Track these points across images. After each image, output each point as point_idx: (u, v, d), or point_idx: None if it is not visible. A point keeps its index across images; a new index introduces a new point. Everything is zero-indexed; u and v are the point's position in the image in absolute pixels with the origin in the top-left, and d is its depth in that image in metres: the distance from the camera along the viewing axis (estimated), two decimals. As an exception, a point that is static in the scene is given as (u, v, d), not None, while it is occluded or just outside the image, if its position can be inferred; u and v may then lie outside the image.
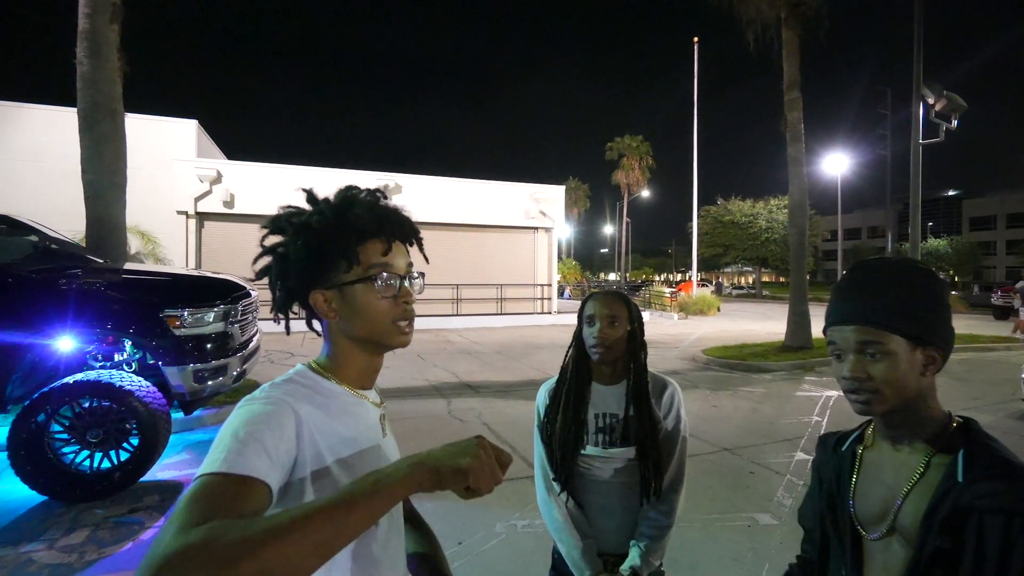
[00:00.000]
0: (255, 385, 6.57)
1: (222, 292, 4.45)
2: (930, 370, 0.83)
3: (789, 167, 10.97)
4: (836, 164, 29.62)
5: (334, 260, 0.83)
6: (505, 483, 3.91)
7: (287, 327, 0.92)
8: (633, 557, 1.37)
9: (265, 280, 0.88)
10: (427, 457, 0.65)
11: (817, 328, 11.00)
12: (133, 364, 4.19)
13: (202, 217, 14.59)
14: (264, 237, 0.88)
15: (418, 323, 0.89)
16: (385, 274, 0.84)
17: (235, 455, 0.64)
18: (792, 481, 4.06)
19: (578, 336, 1.49)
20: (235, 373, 4.43)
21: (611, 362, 1.44)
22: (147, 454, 3.75)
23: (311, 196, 0.88)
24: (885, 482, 0.87)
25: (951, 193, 64.71)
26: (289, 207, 0.89)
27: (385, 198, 0.90)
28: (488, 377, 8.22)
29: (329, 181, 0.94)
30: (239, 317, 4.49)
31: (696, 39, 21.45)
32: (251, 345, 4.88)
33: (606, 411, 1.45)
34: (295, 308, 0.89)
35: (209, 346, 4.19)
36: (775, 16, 10.75)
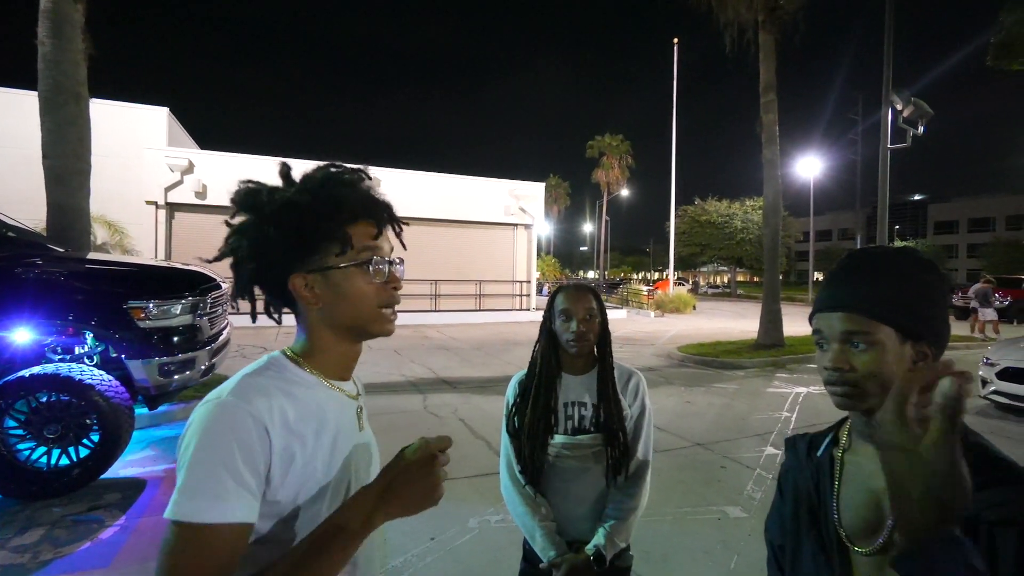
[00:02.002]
0: (225, 379, 6.42)
1: (191, 283, 4.33)
2: (925, 368, 0.74)
3: (764, 168, 11.17)
4: (809, 167, 30.35)
5: (320, 241, 0.77)
6: (479, 478, 3.92)
7: (253, 315, 0.86)
8: (598, 537, 1.39)
9: (231, 274, 0.81)
10: (383, 504, 0.69)
11: (789, 327, 11.33)
12: (95, 357, 4.04)
13: (172, 208, 14.18)
14: (234, 214, 0.80)
15: (395, 319, 0.87)
16: (376, 258, 0.79)
17: (210, 497, 0.64)
18: (762, 475, 4.14)
19: (548, 328, 1.50)
20: (203, 367, 4.31)
21: (585, 354, 1.49)
22: (108, 450, 3.62)
23: (285, 172, 0.82)
24: (873, 490, 0.78)
25: (917, 197, 66.91)
26: (250, 182, 0.82)
27: (369, 179, 0.84)
28: (466, 373, 8.19)
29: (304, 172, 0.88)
30: (208, 309, 4.37)
31: (676, 40, 21.69)
32: (221, 338, 4.75)
33: (575, 400, 1.48)
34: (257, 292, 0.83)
35: (176, 339, 4.06)
36: (752, 19, 10.91)
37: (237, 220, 0.81)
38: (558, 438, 1.45)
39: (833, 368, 0.77)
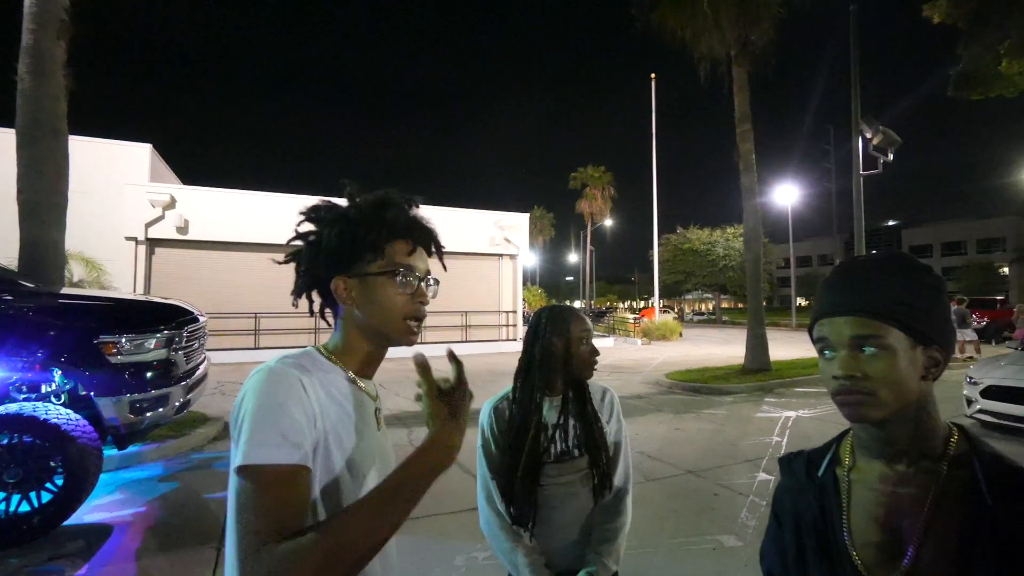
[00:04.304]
0: (202, 418, 6.20)
1: (166, 317, 4.21)
2: (932, 373, 0.72)
3: (743, 196, 11.43)
4: (787, 194, 31.20)
5: (362, 251, 0.88)
6: (465, 513, 3.77)
7: (309, 308, 0.97)
8: (589, 565, 1.33)
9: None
10: (448, 439, 0.85)
11: (775, 351, 11.37)
12: (62, 395, 3.87)
13: (153, 243, 13.99)
14: (299, 223, 0.94)
15: (419, 332, 0.98)
16: (406, 271, 0.89)
17: (275, 442, 0.71)
18: (755, 502, 4.05)
19: (542, 350, 1.43)
20: (177, 403, 4.15)
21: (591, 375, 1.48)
22: (73, 495, 3.42)
23: (350, 193, 0.94)
24: (889, 512, 0.73)
25: (891, 223, 68.90)
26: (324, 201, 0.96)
27: (416, 207, 0.95)
28: (452, 405, 8.02)
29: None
30: (184, 344, 4.24)
31: (653, 75, 22.45)
32: (197, 373, 4.60)
33: (554, 422, 1.43)
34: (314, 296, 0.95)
35: (149, 374, 3.92)
36: (725, 53, 11.36)
37: (303, 228, 0.94)
38: (546, 467, 1.39)
39: (845, 376, 0.71)
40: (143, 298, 4.89)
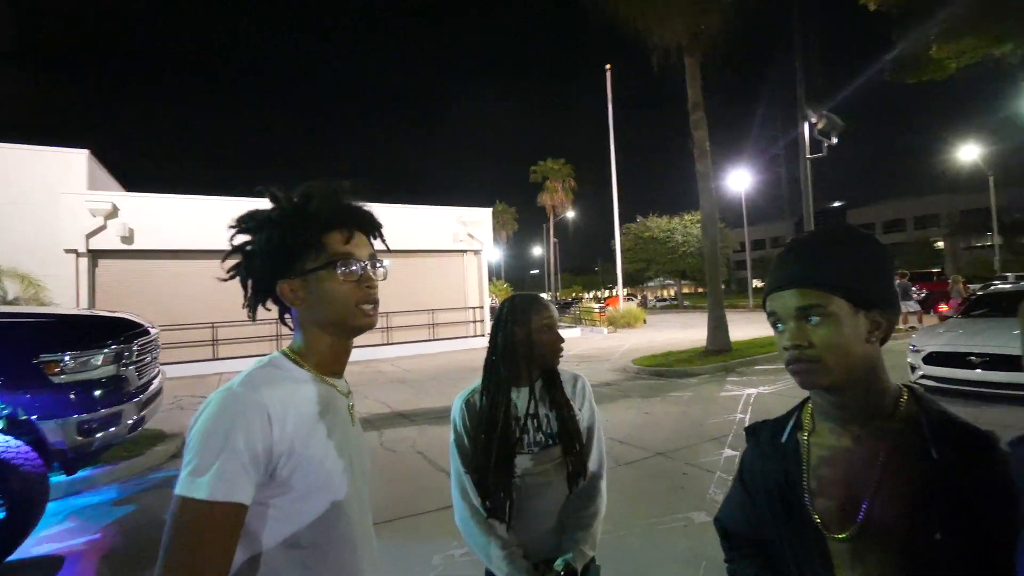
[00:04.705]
0: (159, 435, 5.91)
1: (113, 331, 3.99)
2: (875, 336, 0.76)
3: (699, 182, 11.72)
4: (740, 180, 32.21)
5: (298, 250, 0.87)
6: (441, 512, 3.75)
7: (252, 316, 0.95)
8: (566, 552, 1.32)
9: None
10: None
11: (735, 332, 11.74)
12: (0, 421, 3.62)
13: (95, 255, 13.21)
14: (232, 237, 0.93)
15: (375, 313, 0.98)
16: (345, 259, 0.89)
17: (217, 477, 0.72)
18: (723, 478, 4.18)
19: (506, 340, 1.42)
20: (131, 421, 3.95)
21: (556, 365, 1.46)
22: (17, 529, 3.20)
23: (273, 194, 0.92)
24: (844, 472, 0.77)
25: (837, 204, 72.10)
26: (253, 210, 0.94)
27: (346, 192, 0.94)
28: (422, 405, 7.95)
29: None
30: (134, 358, 4.03)
31: (609, 66, 22.67)
32: (151, 388, 4.39)
33: (526, 412, 1.42)
34: (268, 304, 0.94)
35: (97, 392, 3.71)
36: (676, 43, 11.57)
37: (237, 241, 0.93)
38: (518, 458, 1.38)
39: (793, 346, 0.76)
40: (87, 312, 4.62)
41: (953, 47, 9.95)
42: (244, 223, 0.93)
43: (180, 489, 0.72)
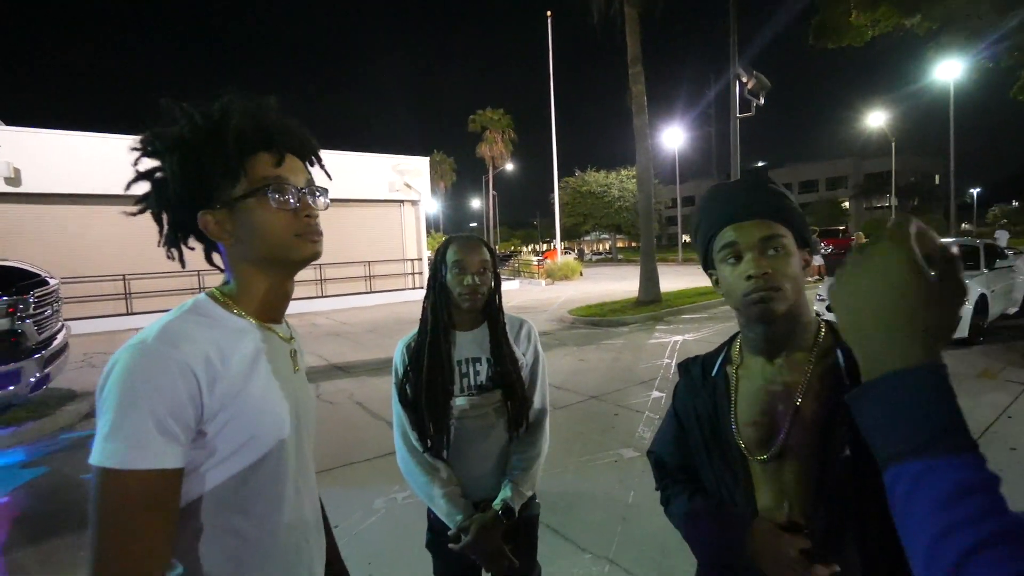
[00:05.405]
0: (68, 394, 5.48)
1: (5, 281, 3.58)
2: (806, 273, 0.84)
3: (636, 138, 11.88)
4: (674, 138, 33.02)
5: (217, 175, 0.75)
6: (381, 459, 3.79)
7: (181, 261, 0.83)
8: (504, 491, 1.37)
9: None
10: None
11: (665, 284, 12.32)
12: None
13: (-26, 199, 11.63)
14: (136, 161, 0.79)
15: (319, 242, 0.83)
16: (278, 184, 0.76)
17: (132, 443, 0.63)
18: (650, 417, 4.50)
19: (439, 283, 1.41)
20: (32, 379, 3.63)
21: (479, 308, 1.42)
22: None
23: (180, 108, 0.77)
24: (767, 400, 0.83)
25: (760, 164, 76.16)
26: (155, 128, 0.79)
27: (272, 109, 0.81)
28: (360, 357, 7.85)
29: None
30: (31, 311, 3.66)
31: (550, 13, 22.00)
32: (54, 344, 4.02)
33: (469, 356, 1.43)
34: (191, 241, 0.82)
35: (-10, 349, 3.36)
36: (617, -8, 11.39)
37: (143, 167, 0.80)
38: (458, 400, 1.40)
39: (760, 273, 0.78)
40: (-31, 262, 4.09)
41: (870, 14, 10.48)
42: (149, 144, 0.78)
43: (95, 458, 0.64)
